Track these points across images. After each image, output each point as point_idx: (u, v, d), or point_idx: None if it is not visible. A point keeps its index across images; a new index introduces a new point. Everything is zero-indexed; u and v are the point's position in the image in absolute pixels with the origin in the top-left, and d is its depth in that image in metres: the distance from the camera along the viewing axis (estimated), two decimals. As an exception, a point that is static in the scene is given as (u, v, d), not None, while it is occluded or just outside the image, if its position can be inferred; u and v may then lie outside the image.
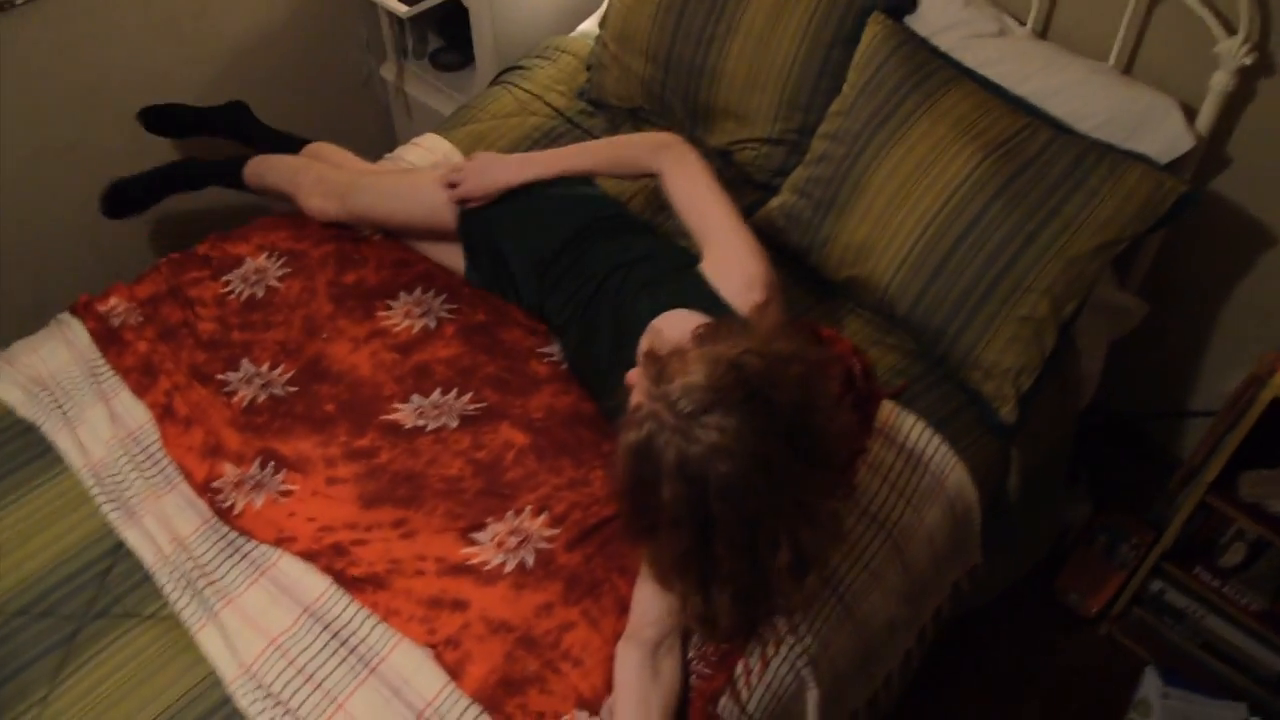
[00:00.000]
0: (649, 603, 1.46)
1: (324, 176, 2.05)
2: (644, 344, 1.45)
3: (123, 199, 2.37)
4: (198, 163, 2.42)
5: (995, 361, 1.82)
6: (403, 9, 2.49)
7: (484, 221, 1.88)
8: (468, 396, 1.78)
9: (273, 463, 1.67)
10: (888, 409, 1.79)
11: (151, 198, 2.38)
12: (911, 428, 1.78)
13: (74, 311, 1.90)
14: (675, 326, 1.50)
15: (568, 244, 1.81)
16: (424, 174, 2.00)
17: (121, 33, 2.38)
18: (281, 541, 1.58)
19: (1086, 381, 2.08)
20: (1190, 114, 1.90)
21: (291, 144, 2.34)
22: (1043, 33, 2.14)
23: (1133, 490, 2.42)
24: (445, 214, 1.91)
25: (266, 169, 2.19)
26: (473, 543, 1.58)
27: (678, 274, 1.67)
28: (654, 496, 1.23)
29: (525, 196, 1.86)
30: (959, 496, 1.78)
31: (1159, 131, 1.89)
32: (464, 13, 2.61)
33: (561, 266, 1.80)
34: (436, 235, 1.97)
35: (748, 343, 1.28)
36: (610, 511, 1.59)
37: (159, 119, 2.47)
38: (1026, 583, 2.24)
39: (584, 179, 1.91)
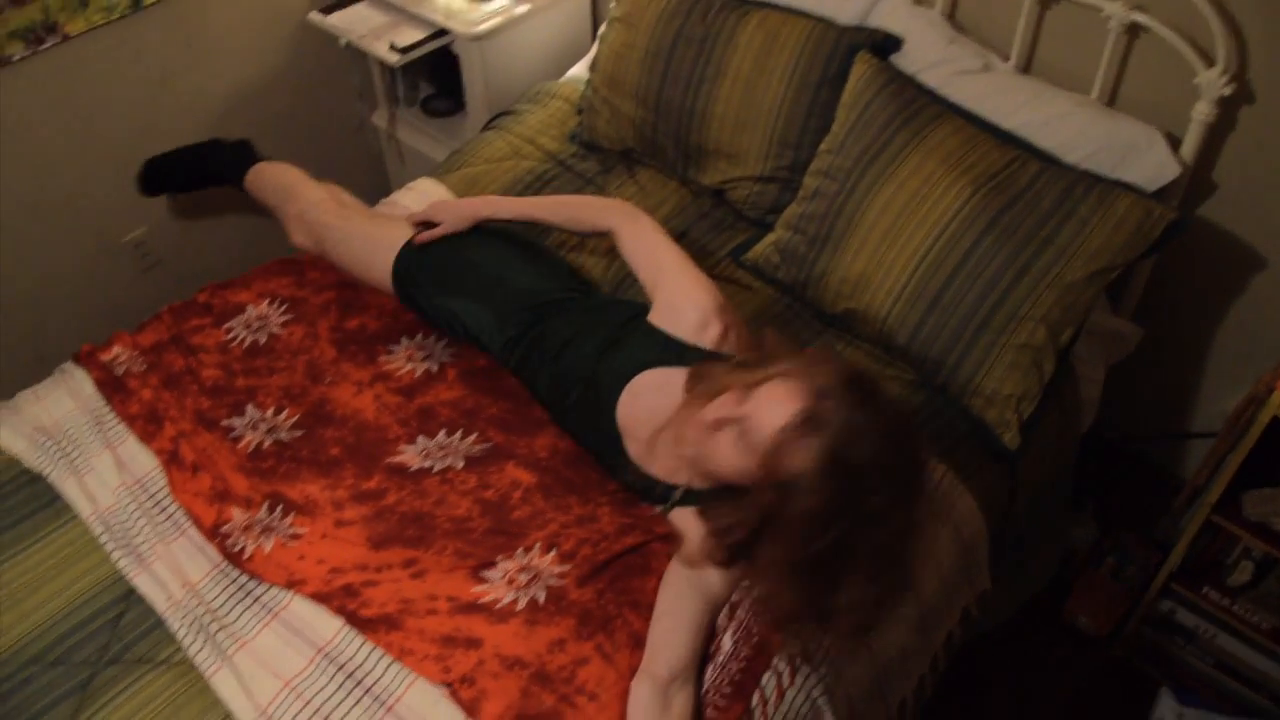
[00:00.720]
0: (665, 637, 1.47)
1: (305, 214, 2.05)
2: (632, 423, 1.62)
3: (156, 175, 2.42)
4: (219, 144, 2.43)
5: (996, 389, 1.84)
6: (394, 58, 2.53)
7: (422, 294, 1.91)
8: (473, 437, 1.78)
9: (281, 506, 1.67)
10: (891, 438, 1.80)
11: (184, 177, 2.42)
12: (915, 456, 1.78)
13: (77, 361, 1.90)
14: (653, 389, 1.61)
15: (523, 324, 1.83)
16: (387, 233, 1.97)
17: (116, 86, 2.41)
18: (292, 584, 1.57)
19: (1086, 406, 2.10)
20: (1174, 143, 1.94)
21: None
22: (1025, 68, 2.18)
23: (1137, 512, 2.43)
24: (387, 283, 1.93)
25: (266, 181, 2.22)
26: (484, 580, 1.57)
27: (630, 333, 1.70)
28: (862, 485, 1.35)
29: (459, 264, 1.89)
30: (966, 524, 1.79)
31: (1145, 161, 1.93)
32: (454, 60, 2.65)
33: (521, 343, 1.83)
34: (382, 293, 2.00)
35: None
36: (620, 547, 1.59)
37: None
38: (1035, 607, 2.24)
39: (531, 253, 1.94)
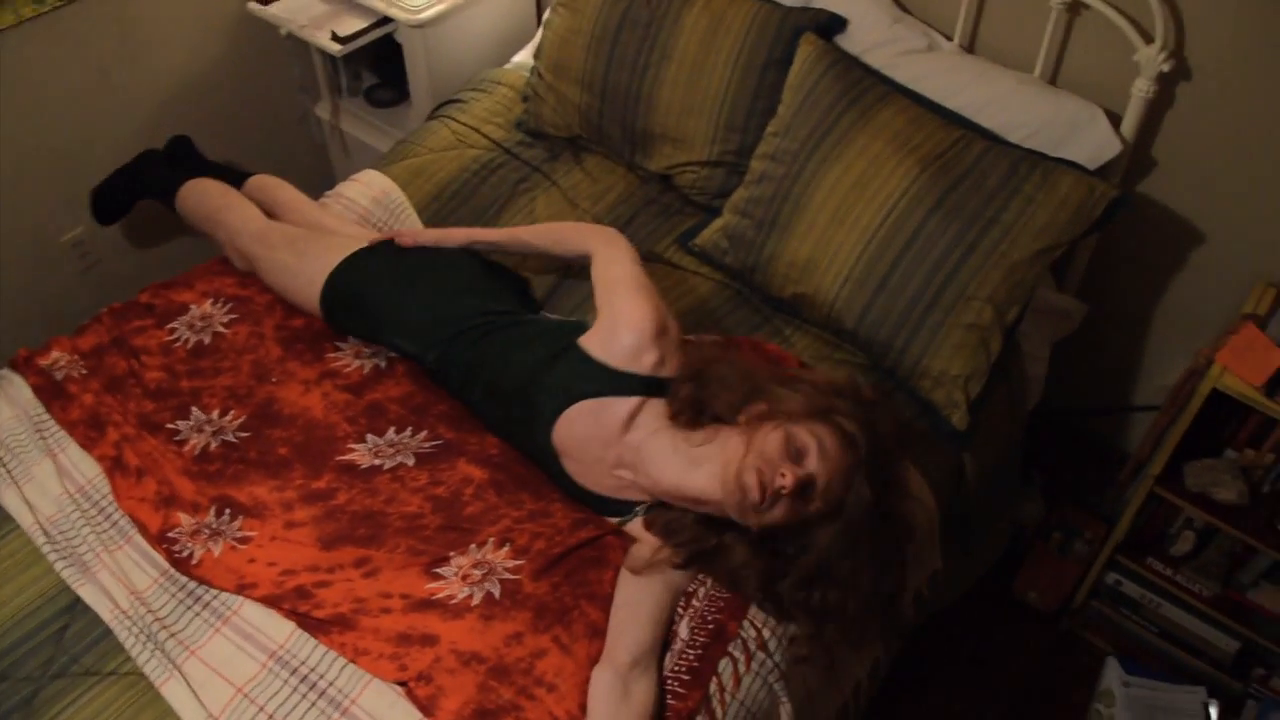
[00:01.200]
0: (625, 625, 1.49)
1: (232, 241, 2.03)
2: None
3: (105, 203, 2.45)
4: (153, 157, 2.44)
5: (944, 370, 1.86)
6: (335, 47, 2.49)
7: (351, 326, 1.91)
8: (423, 434, 1.77)
9: (229, 510, 1.65)
10: (841, 421, 1.81)
11: (129, 196, 2.44)
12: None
13: (14, 366, 1.85)
14: (587, 416, 1.63)
15: (453, 344, 1.82)
16: (311, 264, 1.92)
17: (52, 81, 2.35)
18: (242, 588, 1.55)
19: (1033, 384, 2.12)
20: (1115, 120, 1.96)
21: (235, 178, 2.31)
22: (969, 46, 2.19)
23: (1083, 486, 2.47)
24: (314, 305, 1.91)
25: (194, 201, 2.19)
26: (437, 577, 1.56)
27: (564, 357, 1.70)
28: (854, 494, 1.47)
29: (383, 295, 1.88)
30: (917, 505, 1.80)
31: (1087, 138, 1.95)
32: (397, 49, 2.61)
33: (454, 365, 1.82)
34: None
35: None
36: (575, 540, 1.59)
37: (105, 204, 2.46)
38: (985, 584, 2.27)
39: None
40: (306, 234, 2.00)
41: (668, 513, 1.60)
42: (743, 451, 1.47)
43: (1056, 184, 1.84)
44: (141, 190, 2.43)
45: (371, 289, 1.87)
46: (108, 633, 1.52)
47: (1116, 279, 2.28)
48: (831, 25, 2.14)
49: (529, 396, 1.68)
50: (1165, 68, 1.89)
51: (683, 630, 1.53)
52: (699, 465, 1.52)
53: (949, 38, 2.18)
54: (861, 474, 1.46)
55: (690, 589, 1.57)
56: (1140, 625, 2.27)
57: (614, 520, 1.66)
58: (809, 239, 1.94)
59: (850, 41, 2.14)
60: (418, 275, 1.88)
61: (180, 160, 2.50)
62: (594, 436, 1.63)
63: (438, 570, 1.57)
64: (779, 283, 2.00)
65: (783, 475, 1.42)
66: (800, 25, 2.10)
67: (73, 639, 1.51)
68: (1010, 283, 1.83)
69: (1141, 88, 1.93)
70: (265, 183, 2.26)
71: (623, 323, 1.66)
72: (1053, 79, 2.11)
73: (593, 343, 1.68)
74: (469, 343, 1.79)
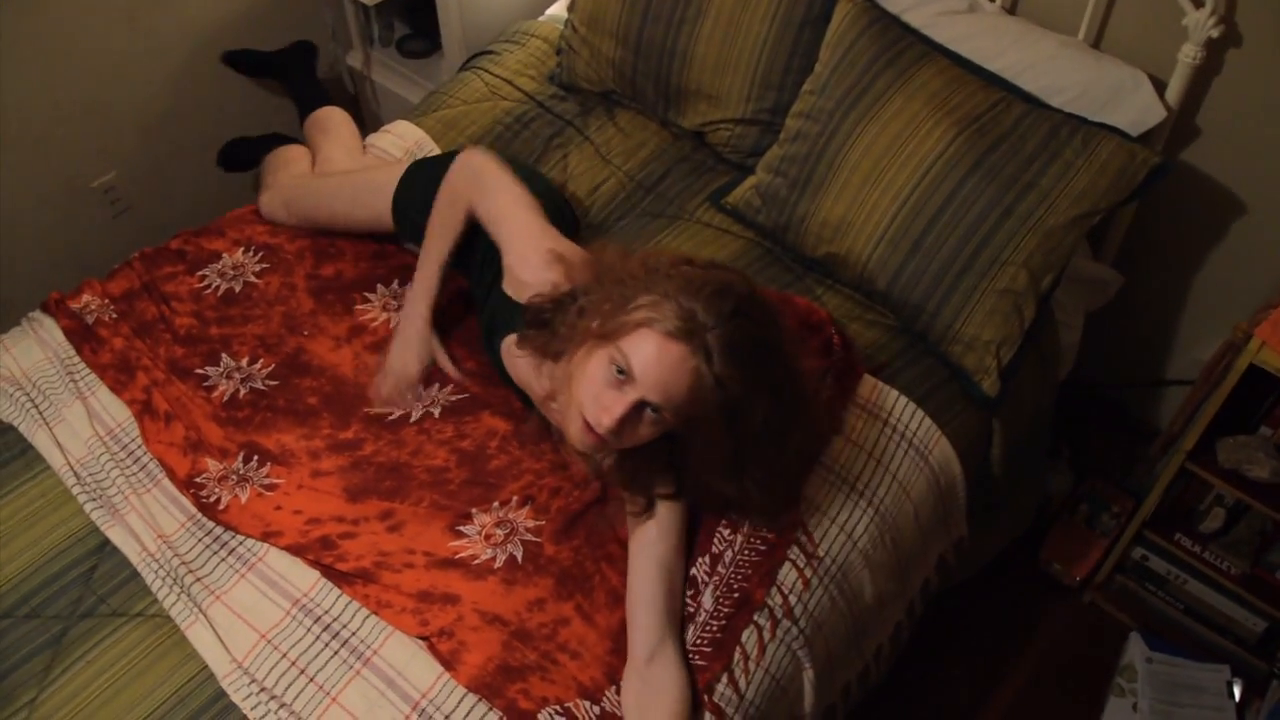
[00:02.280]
0: (634, 622, 1.46)
1: (281, 181, 2.06)
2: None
3: (236, 155, 2.61)
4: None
5: (975, 335, 1.83)
6: (369, -3, 2.47)
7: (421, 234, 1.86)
8: (450, 387, 1.77)
9: (256, 456, 1.66)
10: (869, 385, 1.80)
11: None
12: (894, 403, 1.78)
13: (45, 309, 1.86)
14: (512, 356, 1.61)
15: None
16: (375, 174, 1.96)
17: (77, 27, 2.34)
18: (268, 536, 1.56)
19: (1065, 353, 2.09)
20: (1160, 86, 1.92)
21: (317, 99, 2.45)
22: (1012, 8, 2.15)
23: (1112, 460, 2.44)
24: (386, 220, 1.90)
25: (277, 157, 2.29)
26: (460, 535, 1.57)
27: (497, 293, 1.68)
28: (712, 392, 1.32)
29: None
30: (943, 470, 1.79)
31: (1130, 104, 1.91)
32: (431, 0, 2.58)
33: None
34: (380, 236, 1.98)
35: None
36: (590, 496, 1.59)
37: (236, 63, 2.65)
38: (1010, 554, 2.26)
39: None
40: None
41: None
42: (569, 386, 1.40)
43: (1097, 149, 1.81)
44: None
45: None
46: (135, 575, 1.53)
47: (1154, 249, 2.24)
48: (872, -17, 2.10)
49: (486, 323, 1.73)
50: (1215, 33, 1.84)
51: (706, 600, 1.52)
52: (562, 400, 1.44)
53: (991, -1, 2.13)
54: (725, 368, 1.32)
55: (716, 551, 1.56)
56: (1166, 601, 2.25)
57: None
58: (843, 199, 1.92)
59: (890, 0, 2.10)
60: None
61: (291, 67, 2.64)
62: (526, 373, 1.59)
63: (461, 528, 1.58)
64: (811, 242, 1.98)
65: (607, 410, 1.33)
66: (840, -18, 2.06)
67: (101, 580, 1.53)
68: (1046, 248, 1.81)
69: (1189, 53, 1.88)
70: (331, 116, 2.35)
71: (514, 260, 1.62)
72: (1096, 43, 2.07)
73: (508, 285, 1.64)
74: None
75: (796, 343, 1.52)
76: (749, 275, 1.46)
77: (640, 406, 1.34)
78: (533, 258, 1.58)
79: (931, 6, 2.08)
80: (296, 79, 2.60)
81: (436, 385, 1.77)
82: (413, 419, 1.71)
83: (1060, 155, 1.81)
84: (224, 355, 1.79)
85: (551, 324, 1.49)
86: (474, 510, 1.59)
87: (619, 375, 1.33)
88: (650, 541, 1.49)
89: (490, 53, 2.44)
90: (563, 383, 1.43)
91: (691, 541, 1.57)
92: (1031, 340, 1.87)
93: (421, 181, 1.84)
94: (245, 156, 2.58)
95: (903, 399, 1.79)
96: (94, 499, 1.60)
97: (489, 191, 1.69)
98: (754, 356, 1.35)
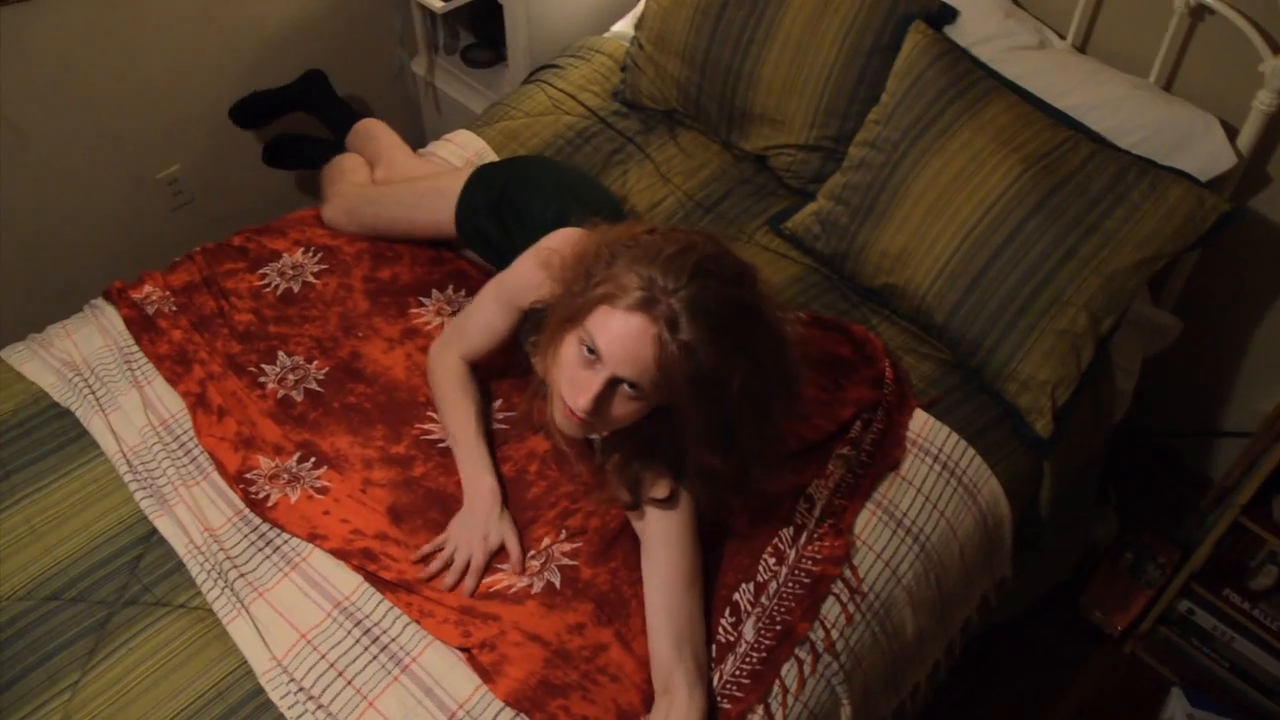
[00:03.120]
0: (651, 650, 1.45)
1: (342, 190, 2.07)
2: None
3: (279, 152, 2.64)
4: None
5: (1032, 374, 1.81)
6: (438, 4, 2.49)
7: (485, 239, 1.87)
8: (498, 403, 1.76)
9: (313, 458, 1.66)
10: (921, 420, 1.78)
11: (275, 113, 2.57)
12: (946, 439, 1.76)
13: (108, 297, 1.89)
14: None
15: None
16: (438, 180, 1.97)
17: (152, 21, 2.38)
18: (314, 538, 1.56)
19: (1120, 398, 2.06)
20: (1231, 132, 1.89)
21: (349, 116, 2.45)
22: (1082, 47, 2.13)
23: (1161, 510, 2.40)
24: (449, 227, 1.91)
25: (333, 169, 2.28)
26: (496, 570, 1.56)
27: None
28: (681, 361, 1.28)
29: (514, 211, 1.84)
30: (991, 510, 1.77)
31: (1199, 149, 1.89)
32: (497, 10, 2.60)
33: None
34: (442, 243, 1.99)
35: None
36: (623, 516, 1.58)
37: (244, 114, 2.59)
38: (1052, 599, 2.23)
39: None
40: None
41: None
42: (551, 374, 1.40)
43: (1165, 193, 1.78)
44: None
45: (516, 177, 1.86)
46: (180, 566, 1.54)
47: (1216, 297, 2.20)
48: (942, 15, 2.09)
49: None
50: (1292, 81, 1.82)
51: (748, 631, 1.50)
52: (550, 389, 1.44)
53: (1062, 36, 2.12)
54: (692, 334, 1.28)
55: (761, 580, 1.55)
56: (1210, 658, 2.20)
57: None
58: (904, 230, 1.90)
59: (960, 33, 2.09)
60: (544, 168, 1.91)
61: (309, 95, 2.63)
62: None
63: (498, 565, 1.56)
64: (870, 272, 1.96)
65: (582, 391, 1.32)
66: (910, 13, 2.05)
67: (147, 569, 1.54)
68: (1108, 291, 1.78)
69: (1264, 100, 1.86)
70: (375, 127, 2.34)
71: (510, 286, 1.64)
72: (1168, 85, 2.04)
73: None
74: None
75: (773, 301, 1.42)
76: (717, 234, 1.42)
77: (613, 383, 1.33)
78: (520, 274, 1.60)
79: (1001, 41, 2.07)
80: (321, 103, 2.61)
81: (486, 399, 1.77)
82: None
83: (1127, 197, 1.79)
84: (281, 353, 1.80)
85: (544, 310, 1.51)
86: None
87: (589, 355, 1.32)
88: (653, 557, 1.47)
89: (554, 66, 2.45)
90: (548, 372, 1.43)
91: (721, 564, 1.56)
92: (1088, 383, 1.85)
93: (484, 186, 1.86)
94: (289, 155, 2.61)
95: (954, 436, 1.77)
96: (144, 488, 1.62)
97: (462, 326, 1.71)
98: (721, 319, 1.30)
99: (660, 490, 1.48)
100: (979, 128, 1.89)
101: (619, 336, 1.29)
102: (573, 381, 1.35)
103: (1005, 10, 2.10)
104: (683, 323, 1.28)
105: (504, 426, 1.74)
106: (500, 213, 1.83)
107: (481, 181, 1.87)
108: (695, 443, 1.39)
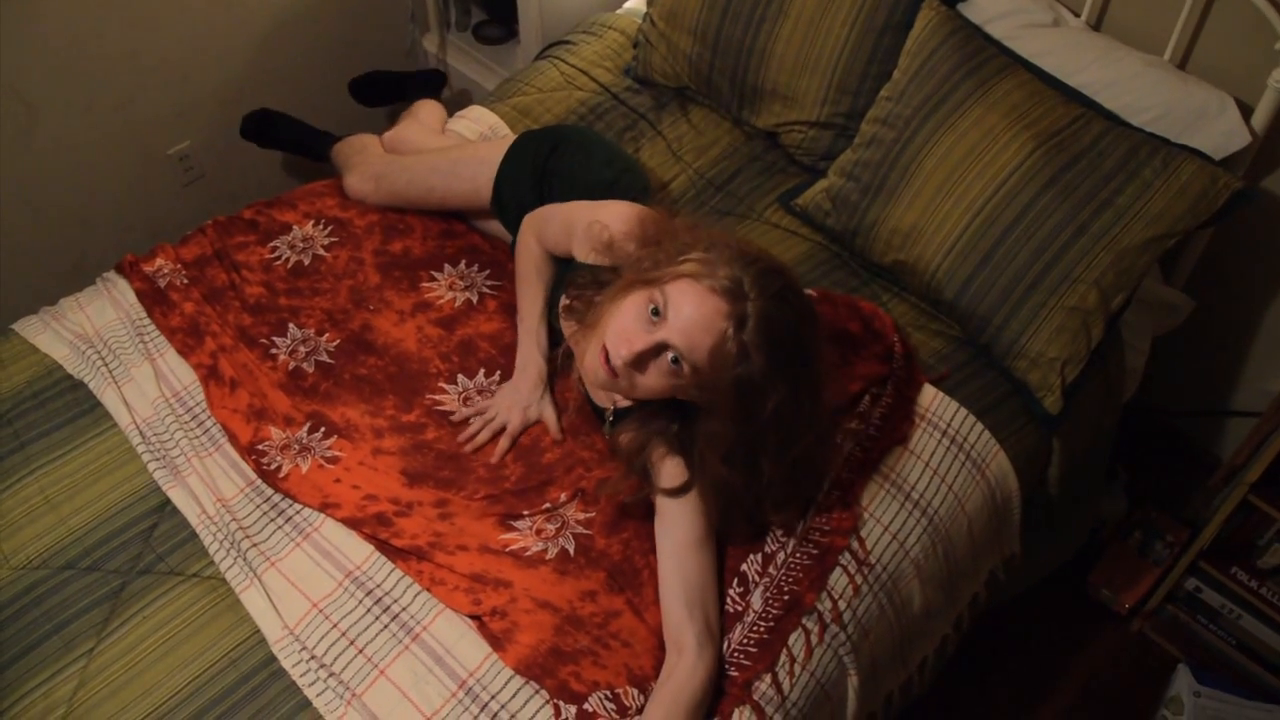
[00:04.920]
0: (664, 624, 1.46)
1: (369, 159, 2.07)
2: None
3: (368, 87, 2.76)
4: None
5: (1041, 351, 1.81)
6: (449, -20, 2.49)
7: (519, 207, 1.88)
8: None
9: (323, 428, 1.67)
10: (930, 395, 1.78)
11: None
12: (954, 415, 1.76)
13: (120, 270, 1.90)
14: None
15: None
16: (476, 147, 1.99)
17: (167, -2, 2.39)
18: (326, 507, 1.58)
19: (1130, 376, 2.06)
20: (1246, 111, 1.88)
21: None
22: (1097, 24, 2.12)
23: (1169, 488, 2.40)
24: (486, 193, 1.91)
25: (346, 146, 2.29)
26: (511, 529, 1.57)
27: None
28: (734, 359, 1.34)
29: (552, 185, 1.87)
30: (1000, 485, 1.77)
31: (1213, 128, 1.88)
32: (510, -13, 2.60)
33: None
34: (473, 214, 2.00)
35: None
36: (637, 486, 1.58)
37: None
38: (1060, 576, 2.23)
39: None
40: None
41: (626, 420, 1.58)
42: (599, 322, 1.44)
43: (1177, 171, 1.78)
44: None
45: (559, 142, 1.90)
46: (193, 536, 1.56)
47: (1228, 276, 2.20)
48: (955, -8, 2.08)
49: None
50: (1309, 58, 1.81)
51: (755, 601, 1.51)
52: (587, 336, 1.49)
53: (1076, 14, 2.10)
54: (754, 339, 1.34)
55: (769, 551, 1.56)
56: (1217, 635, 2.21)
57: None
58: (915, 207, 1.90)
59: (974, 10, 2.08)
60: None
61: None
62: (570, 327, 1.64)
63: (512, 523, 1.58)
64: (880, 248, 1.96)
65: (628, 342, 1.38)
66: (923, -11, 2.04)
67: (160, 538, 1.56)
68: (1119, 268, 1.78)
69: (1280, 78, 1.85)
70: (422, 107, 2.43)
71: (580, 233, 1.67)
72: (1182, 64, 2.03)
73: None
74: None
75: (827, 350, 1.51)
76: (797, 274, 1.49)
77: (661, 348, 1.37)
78: (614, 216, 1.62)
79: (1015, 18, 2.06)
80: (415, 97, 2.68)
81: (498, 374, 1.78)
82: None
83: (1139, 175, 1.78)
84: (291, 325, 1.81)
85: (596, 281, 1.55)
86: (525, 511, 1.60)
87: (653, 316, 1.38)
88: (664, 534, 1.50)
89: (567, 43, 2.44)
90: (593, 319, 1.47)
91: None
92: (1097, 360, 1.85)
93: (531, 152, 1.88)
94: (380, 90, 2.74)
95: (963, 411, 1.77)
96: (157, 459, 1.63)
97: (547, 219, 1.75)
98: (782, 341, 1.37)
99: (671, 464, 1.50)
100: (991, 105, 1.88)
101: (694, 308, 1.35)
102: (623, 332, 1.39)
103: (1019, -13, 2.09)
104: (750, 326, 1.35)
105: None
106: (543, 179, 1.86)
107: (528, 148, 1.89)
108: (711, 447, 1.43)
